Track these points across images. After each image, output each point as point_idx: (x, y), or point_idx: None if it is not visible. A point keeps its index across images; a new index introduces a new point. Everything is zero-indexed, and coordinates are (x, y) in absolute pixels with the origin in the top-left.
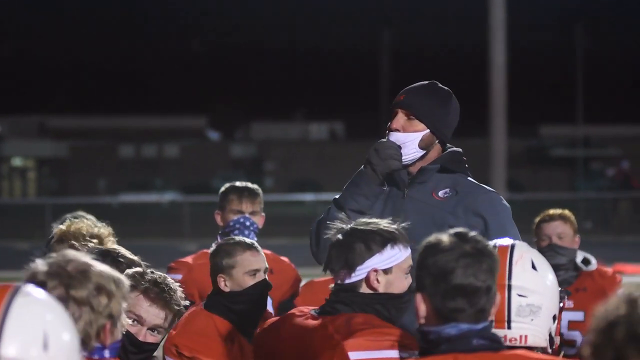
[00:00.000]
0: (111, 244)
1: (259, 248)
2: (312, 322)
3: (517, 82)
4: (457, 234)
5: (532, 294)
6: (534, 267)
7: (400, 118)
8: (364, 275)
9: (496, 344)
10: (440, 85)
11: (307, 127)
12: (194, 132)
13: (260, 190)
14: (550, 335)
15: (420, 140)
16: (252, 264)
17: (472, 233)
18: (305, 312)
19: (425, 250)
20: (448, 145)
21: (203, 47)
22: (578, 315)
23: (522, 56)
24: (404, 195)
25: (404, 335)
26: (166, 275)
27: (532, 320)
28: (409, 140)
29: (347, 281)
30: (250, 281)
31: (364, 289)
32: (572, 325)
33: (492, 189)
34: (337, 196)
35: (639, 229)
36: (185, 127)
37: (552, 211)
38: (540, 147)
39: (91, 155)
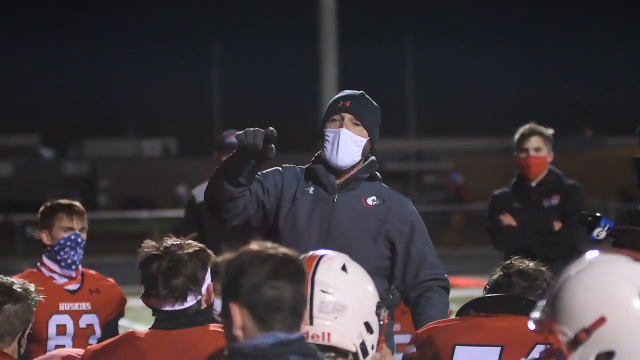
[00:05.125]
0: None
1: None
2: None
3: None
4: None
5: (337, 292)
6: (344, 269)
7: (349, 121)
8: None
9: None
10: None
11: (141, 143)
12: (27, 150)
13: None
14: (363, 344)
15: (364, 147)
16: None
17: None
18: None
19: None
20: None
21: (30, 64)
22: (404, 339)
23: (353, 69)
24: (334, 199)
25: None
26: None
27: (335, 318)
28: (359, 142)
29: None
30: None
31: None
32: (399, 348)
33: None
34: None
35: (471, 241)
36: (17, 145)
37: None
38: None
39: None
